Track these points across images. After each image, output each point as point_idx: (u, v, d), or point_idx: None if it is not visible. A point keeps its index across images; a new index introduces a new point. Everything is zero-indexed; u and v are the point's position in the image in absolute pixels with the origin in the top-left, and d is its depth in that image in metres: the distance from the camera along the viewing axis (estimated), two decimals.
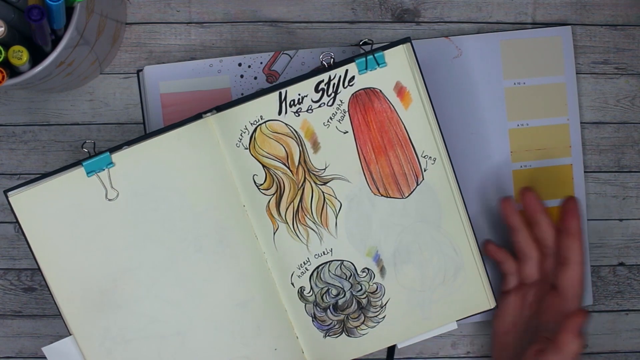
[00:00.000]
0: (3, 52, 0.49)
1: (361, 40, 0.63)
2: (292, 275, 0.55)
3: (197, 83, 0.61)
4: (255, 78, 0.62)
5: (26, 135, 0.63)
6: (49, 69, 0.51)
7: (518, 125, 0.64)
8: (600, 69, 0.65)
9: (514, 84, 0.64)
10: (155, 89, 0.61)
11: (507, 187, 0.64)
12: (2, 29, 0.48)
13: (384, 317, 0.56)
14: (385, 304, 0.56)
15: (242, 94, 0.62)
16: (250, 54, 0.62)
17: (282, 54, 0.62)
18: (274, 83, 0.62)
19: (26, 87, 0.55)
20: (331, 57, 0.52)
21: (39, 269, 0.53)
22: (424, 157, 0.54)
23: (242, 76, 0.62)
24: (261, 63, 0.62)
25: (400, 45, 0.53)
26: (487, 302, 0.57)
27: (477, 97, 0.63)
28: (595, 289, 0.66)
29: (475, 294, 0.56)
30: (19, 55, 0.49)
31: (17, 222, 0.52)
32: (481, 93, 0.63)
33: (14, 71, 0.51)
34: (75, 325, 0.53)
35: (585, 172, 0.65)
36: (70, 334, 0.54)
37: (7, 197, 0.52)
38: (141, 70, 0.62)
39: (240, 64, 0.61)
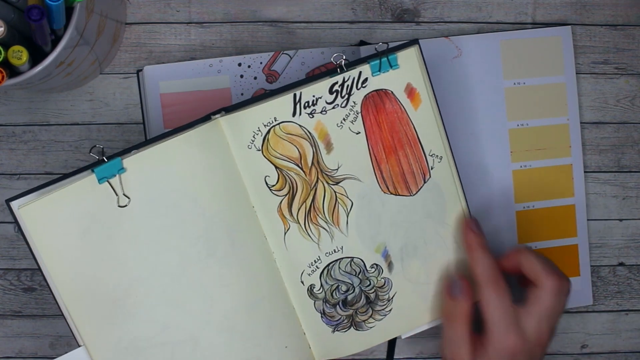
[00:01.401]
0: (3, 52, 0.49)
1: (361, 40, 0.63)
2: (302, 273, 0.55)
3: (197, 83, 0.61)
4: (255, 78, 0.62)
5: (26, 135, 0.63)
6: (48, 69, 0.51)
7: (518, 125, 0.64)
8: (600, 69, 0.65)
9: (514, 84, 0.64)
10: (155, 89, 0.61)
11: (507, 187, 0.64)
12: (2, 29, 0.48)
13: (390, 309, 0.57)
14: (392, 298, 0.57)
15: (241, 94, 0.62)
16: (250, 54, 0.62)
17: (282, 54, 0.62)
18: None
19: (26, 87, 0.55)
20: (343, 58, 0.53)
21: (45, 281, 0.51)
22: (431, 155, 0.55)
23: (242, 76, 0.62)
24: (261, 63, 0.62)
25: (411, 48, 0.53)
26: None
27: (477, 97, 0.63)
28: (595, 289, 0.66)
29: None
30: (19, 55, 0.49)
31: (23, 234, 0.50)
32: (481, 93, 0.63)
33: (13, 71, 0.51)
34: (87, 336, 0.52)
35: (585, 172, 0.65)
36: (81, 345, 0.52)
37: (10, 208, 0.50)
38: (141, 70, 0.62)
39: (240, 64, 0.61)
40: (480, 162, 0.63)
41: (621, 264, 0.66)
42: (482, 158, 0.63)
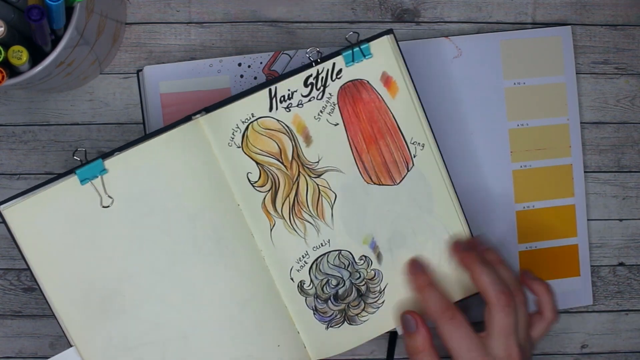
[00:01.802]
0: (3, 52, 0.49)
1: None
2: (291, 270, 0.55)
3: (197, 83, 0.61)
4: (255, 78, 0.62)
5: (26, 135, 0.63)
6: (48, 69, 0.51)
7: (518, 125, 0.64)
8: (600, 69, 0.65)
9: (514, 84, 0.64)
10: (155, 89, 0.61)
11: (507, 187, 0.64)
12: (2, 29, 0.48)
13: (383, 302, 0.57)
14: (383, 289, 0.56)
15: None
16: (250, 54, 0.62)
17: (282, 54, 0.62)
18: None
19: (26, 87, 0.55)
20: (318, 53, 0.53)
21: (36, 282, 0.51)
22: (413, 143, 0.55)
23: (242, 76, 0.62)
24: (261, 63, 0.62)
25: (385, 37, 0.54)
26: None
27: (477, 97, 0.63)
28: (595, 289, 0.66)
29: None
30: (19, 55, 0.49)
31: (12, 235, 0.51)
32: (481, 93, 0.63)
33: (13, 71, 0.51)
34: (77, 336, 0.52)
35: (585, 172, 0.65)
36: (72, 346, 0.52)
37: None
38: (141, 70, 0.62)
39: (240, 64, 0.62)
40: (480, 162, 0.63)
41: (621, 264, 0.66)
42: (481, 158, 0.63)
